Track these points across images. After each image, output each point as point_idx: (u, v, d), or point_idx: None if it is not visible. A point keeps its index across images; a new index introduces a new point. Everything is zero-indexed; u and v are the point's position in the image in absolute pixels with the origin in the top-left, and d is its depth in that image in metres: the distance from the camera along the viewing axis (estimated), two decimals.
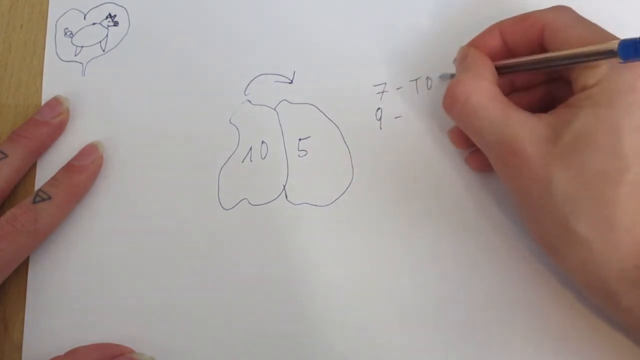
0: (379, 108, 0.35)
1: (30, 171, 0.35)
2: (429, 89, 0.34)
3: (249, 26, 0.37)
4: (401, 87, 0.35)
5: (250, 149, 0.35)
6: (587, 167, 0.25)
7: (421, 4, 0.36)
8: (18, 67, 0.37)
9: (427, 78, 0.35)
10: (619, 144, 0.25)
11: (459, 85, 0.28)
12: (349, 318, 0.32)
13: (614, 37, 0.27)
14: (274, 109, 0.35)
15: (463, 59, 0.30)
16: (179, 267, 0.33)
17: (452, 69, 0.33)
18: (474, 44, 0.31)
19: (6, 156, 0.34)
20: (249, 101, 0.36)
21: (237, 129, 0.35)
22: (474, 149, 0.32)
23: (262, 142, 0.35)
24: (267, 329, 0.32)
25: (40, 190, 0.33)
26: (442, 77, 0.34)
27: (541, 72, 0.31)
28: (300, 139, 0.35)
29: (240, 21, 0.37)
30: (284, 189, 0.34)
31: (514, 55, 0.30)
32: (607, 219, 0.25)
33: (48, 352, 0.31)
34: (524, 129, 0.26)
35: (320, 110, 0.35)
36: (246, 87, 0.36)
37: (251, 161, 0.35)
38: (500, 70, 0.30)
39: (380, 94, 0.35)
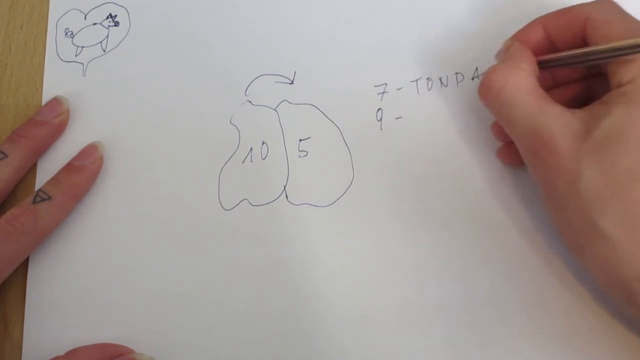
0: (379, 108, 0.35)
1: (30, 171, 0.35)
2: (429, 90, 0.35)
3: (249, 27, 0.37)
4: (402, 88, 0.35)
5: (251, 149, 0.35)
6: (616, 165, 0.25)
7: (421, 5, 0.36)
8: (18, 67, 0.37)
9: (428, 79, 0.35)
10: None
11: (495, 72, 0.28)
12: (350, 318, 0.32)
13: None
14: (275, 110, 0.35)
15: (505, 50, 0.30)
16: (179, 268, 0.33)
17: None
18: (517, 37, 0.31)
19: (6, 156, 0.34)
20: (250, 102, 0.36)
21: (238, 129, 0.35)
22: (505, 143, 0.32)
23: (263, 143, 0.35)
24: (268, 329, 0.32)
25: (40, 190, 0.33)
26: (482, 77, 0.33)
27: (582, 67, 0.30)
28: (300, 140, 0.35)
29: (240, 22, 0.37)
30: (285, 189, 0.34)
31: (557, 50, 0.30)
32: (633, 218, 0.24)
33: (48, 352, 0.31)
34: (557, 122, 0.26)
35: (321, 111, 0.35)
36: (247, 88, 0.36)
37: (252, 162, 0.35)
38: (542, 65, 0.30)
39: (381, 94, 0.35)
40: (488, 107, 0.30)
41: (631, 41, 0.26)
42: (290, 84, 0.36)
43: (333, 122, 0.35)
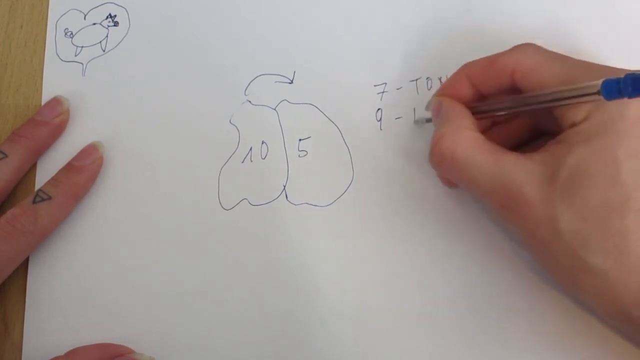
0: (379, 108, 0.35)
1: (30, 171, 0.35)
2: (429, 90, 0.34)
3: (249, 26, 0.37)
4: (401, 88, 0.35)
5: (251, 149, 0.35)
6: (590, 201, 0.25)
7: (421, 5, 0.36)
8: (18, 67, 0.37)
9: (428, 78, 0.35)
10: (617, 173, 0.25)
11: (442, 141, 0.28)
12: (349, 317, 0.32)
13: (590, 69, 0.26)
14: (274, 109, 0.35)
15: (438, 110, 0.30)
16: (179, 268, 0.33)
17: (421, 112, 0.33)
18: (444, 92, 0.31)
19: (6, 156, 0.34)
20: (249, 101, 0.36)
21: (237, 129, 0.35)
22: None
23: (262, 142, 0.35)
24: (267, 328, 0.32)
25: (40, 190, 0.33)
26: (417, 122, 0.34)
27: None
28: (300, 139, 0.35)
29: (240, 21, 0.37)
30: (284, 189, 0.34)
31: (486, 99, 0.30)
32: (618, 248, 0.24)
33: (48, 352, 0.31)
34: (518, 172, 0.26)
35: (320, 111, 0.35)
36: (246, 87, 0.36)
37: (251, 161, 0.35)
38: (477, 115, 0.30)
39: (381, 94, 0.35)
40: (445, 174, 0.30)
41: (577, 88, 0.25)
42: (290, 83, 0.36)
43: (333, 122, 0.35)
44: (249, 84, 0.36)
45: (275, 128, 0.35)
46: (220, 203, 0.34)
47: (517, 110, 0.28)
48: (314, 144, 0.35)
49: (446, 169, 0.29)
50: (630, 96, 0.23)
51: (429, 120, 0.33)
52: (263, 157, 0.35)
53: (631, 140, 0.25)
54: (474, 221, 0.32)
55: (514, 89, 0.29)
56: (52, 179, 0.34)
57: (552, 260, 0.27)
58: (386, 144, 0.34)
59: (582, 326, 0.30)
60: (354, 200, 0.33)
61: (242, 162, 0.35)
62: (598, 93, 0.24)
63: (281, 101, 0.35)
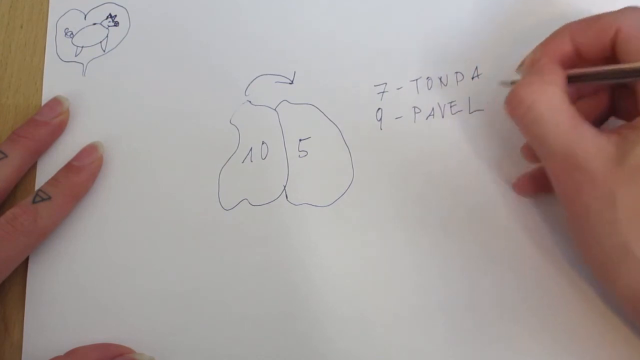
0: (379, 108, 0.35)
1: (30, 171, 0.35)
2: (429, 89, 0.34)
3: (249, 27, 0.37)
4: (402, 87, 0.35)
5: (251, 149, 0.35)
6: None
7: (421, 4, 0.36)
8: (18, 67, 0.37)
9: (428, 78, 0.35)
10: None
11: (526, 87, 0.27)
12: (350, 318, 0.32)
13: None
14: (275, 110, 0.35)
15: (534, 62, 0.29)
16: (179, 268, 0.33)
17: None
18: (545, 48, 0.30)
19: (6, 156, 0.34)
20: (250, 102, 0.36)
21: (238, 129, 0.35)
22: (522, 174, 0.32)
23: (263, 143, 0.35)
24: (267, 328, 0.32)
25: (40, 190, 0.33)
26: (503, 83, 0.32)
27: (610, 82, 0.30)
28: (300, 140, 0.35)
29: (240, 22, 0.37)
30: (285, 189, 0.34)
31: (584, 60, 0.29)
32: None
33: (48, 352, 0.31)
34: (591, 144, 0.26)
35: (321, 111, 0.35)
36: (247, 88, 0.36)
37: (251, 162, 0.35)
38: (570, 80, 0.29)
39: (381, 94, 0.35)
40: (516, 122, 0.28)
41: None
42: (290, 84, 0.36)
43: (333, 122, 0.35)
44: (249, 84, 0.36)
45: (275, 128, 0.35)
46: (220, 203, 0.34)
47: (612, 79, 0.28)
48: (314, 144, 0.35)
49: (519, 118, 0.28)
50: None
51: (514, 83, 0.31)
52: (263, 157, 0.35)
53: None
54: (474, 221, 0.32)
55: (612, 58, 0.28)
56: (52, 178, 0.34)
57: (595, 244, 0.26)
58: (386, 144, 0.34)
59: (584, 325, 0.30)
60: (354, 201, 0.33)
61: (242, 162, 0.35)
62: None
63: (281, 101, 0.35)
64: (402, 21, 0.36)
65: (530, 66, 0.29)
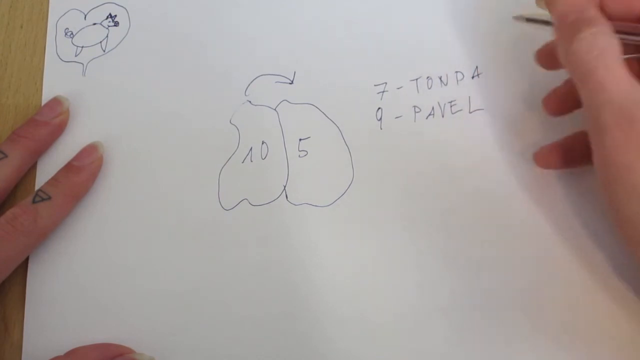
0: (379, 108, 0.35)
1: (30, 171, 0.35)
2: (429, 89, 0.34)
3: (249, 27, 0.37)
4: (402, 87, 0.35)
5: (251, 149, 0.35)
6: None
7: (421, 4, 0.36)
8: (18, 67, 0.37)
9: (428, 78, 0.35)
10: None
11: (599, 35, 0.27)
12: (350, 318, 0.32)
13: None
14: (275, 109, 0.35)
15: (584, 9, 0.28)
16: (179, 268, 0.33)
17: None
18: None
19: (6, 156, 0.34)
20: (250, 101, 0.36)
21: (238, 129, 0.35)
22: (544, 146, 0.32)
23: (263, 143, 0.35)
24: (267, 328, 0.32)
25: (40, 190, 0.33)
26: (517, 18, 0.31)
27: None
28: (300, 139, 0.35)
29: (240, 22, 0.37)
30: (285, 189, 0.34)
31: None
32: None
33: (48, 352, 0.31)
34: None
35: (321, 110, 0.35)
36: (247, 88, 0.36)
37: (251, 161, 0.35)
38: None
39: (381, 93, 0.35)
40: (578, 66, 0.27)
41: None
42: (290, 83, 0.36)
43: (333, 122, 0.35)
44: (249, 84, 0.36)
45: (275, 128, 0.35)
46: (221, 203, 0.34)
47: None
48: (314, 144, 0.34)
49: (586, 60, 0.27)
50: None
51: (530, 20, 0.31)
52: (263, 157, 0.35)
53: None
54: (475, 220, 0.32)
55: None
56: (52, 179, 0.34)
57: (636, 206, 0.26)
58: (387, 144, 0.34)
59: (585, 324, 0.30)
60: (354, 200, 0.33)
61: (242, 162, 0.35)
62: None
63: (281, 101, 0.35)
64: (402, 21, 0.36)
65: (582, 10, 0.28)
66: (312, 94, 0.35)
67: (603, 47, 0.27)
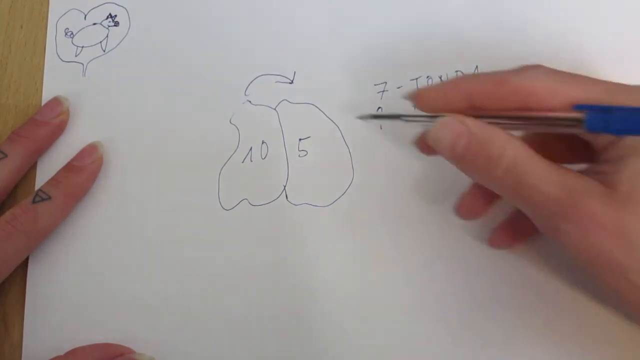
0: (379, 107, 0.34)
1: (30, 171, 0.35)
2: None
3: (249, 27, 0.37)
4: (402, 87, 0.35)
5: (251, 149, 0.35)
6: None
7: (421, 3, 0.36)
8: (18, 67, 0.37)
9: (428, 77, 0.35)
10: None
11: (506, 150, 0.26)
12: (349, 318, 0.32)
13: (612, 92, 0.25)
14: (274, 109, 0.35)
15: (462, 128, 0.27)
16: (179, 268, 0.33)
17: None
18: (436, 104, 0.28)
19: (6, 156, 0.34)
20: (249, 101, 0.36)
21: (238, 129, 0.35)
22: (495, 228, 0.31)
23: (263, 142, 0.35)
24: (267, 329, 0.32)
25: (40, 190, 0.33)
26: (362, 117, 0.32)
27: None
28: (300, 139, 0.35)
29: (240, 22, 0.37)
30: (285, 189, 0.34)
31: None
32: None
33: (48, 352, 0.32)
34: (582, 184, 0.25)
35: (321, 110, 0.35)
36: (246, 88, 0.36)
37: (251, 161, 0.35)
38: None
39: (381, 93, 0.35)
40: (502, 185, 0.26)
41: (562, 114, 0.25)
42: (290, 83, 0.36)
43: (333, 122, 0.35)
44: (249, 84, 0.36)
45: (275, 128, 0.35)
46: (220, 203, 0.34)
47: (515, 128, 0.27)
48: (314, 144, 0.34)
49: (510, 181, 0.26)
50: (616, 132, 0.23)
51: (377, 117, 0.33)
52: (263, 157, 0.35)
53: None
54: (476, 221, 0.32)
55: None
56: (52, 179, 0.34)
57: (618, 277, 0.25)
58: (386, 144, 0.34)
59: (586, 326, 0.30)
60: (354, 200, 0.33)
61: (242, 162, 0.35)
62: (581, 125, 0.24)
63: (281, 101, 0.35)
64: (402, 20, 0.36)
65: (464, 130, 0.27)
66: (312, 94, 0.35)
67: (516, 158, 0.25)
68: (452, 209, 0.32)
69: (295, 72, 0.36)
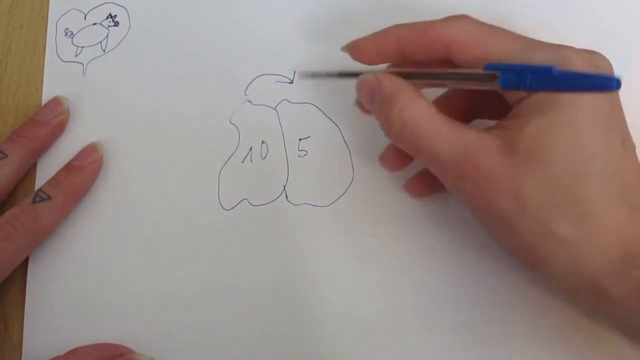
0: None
1: (30, 171, 0.35)
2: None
3: (249, 26, 0.37)
4: None
5: (251, 149, 0.35)
6: (553, 169, 0.24)
7: (421, 3, 0.36)
8: (18, 67, 0.37)
9: None
10: (576, 140, 0.24)
11: (404, 111, 0.27)
12: (349, 318, 0.32)
13: (532, 46, 0.26)
14: (274, 109, 0.35)
15: (378, 86, 0.28)
16: (179, 268, 0.33)
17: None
18: (368, 55, 0.29)
19: (6, 156, 0.34)
20: (249, 101, 0.36)
21: (238, 129, 0.35)
22: (412, 176, 0.32)
23: (263, 142, 0.35)
24: (267, 329, 0.32)
25: (40, 190, 0.33)
26: (302, 75, 0.32)
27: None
28: (300, 139, 0.35)
29: (240, 21, 0.37)
30: (284, 189, 0.34)
31: (408, 61, 0.29)
32: (585, 216, 0.24)
33: (48, 352, 0.31)
34: (480, 143, 0.26)
35: (321, 110, 0.35)
36: (246, 87, 0.36)
37: (251, 161, 0.35)
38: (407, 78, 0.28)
39: None
40: (400, 144, 0.28)
41: (478, 71, 0.25)
42: (290, 83, 0.36)
43: (333, 122, 0.35)
44: (249, 83, 0.36)
45: (275, 128, 0.35)
46: (220, 203, 0.34)
47: (436, 84, 0.28)
48: (314, 143, 0.34)
49: (406, 141, 0.27)
50: (527, 90, 0.23)
51: (315, 75, 0.33)
52: (263, 157, 0.35)
53: (586, 108, 0.25)
54: (475, 221, 0.32)
55: (447, 61, 0.28)
56: (52, 179, 0.34)
57: (516, 238, 0.26)
58: (386, 143, 0.34)
59: (587, 323, 0.30)
60: (354, 201, 0.33)
61: (242, 162, 0.35)
62: (497, 82, 0.24)
63: (281, 101, 0.35)
64: (402, 20, 0.36)
65: (378, 88, 0.28)
66: (312, 94, 0.35)
67: (413, 118, 0.27)
68: (452, 210, 0.32)
69: (295, 72, 0.36)
